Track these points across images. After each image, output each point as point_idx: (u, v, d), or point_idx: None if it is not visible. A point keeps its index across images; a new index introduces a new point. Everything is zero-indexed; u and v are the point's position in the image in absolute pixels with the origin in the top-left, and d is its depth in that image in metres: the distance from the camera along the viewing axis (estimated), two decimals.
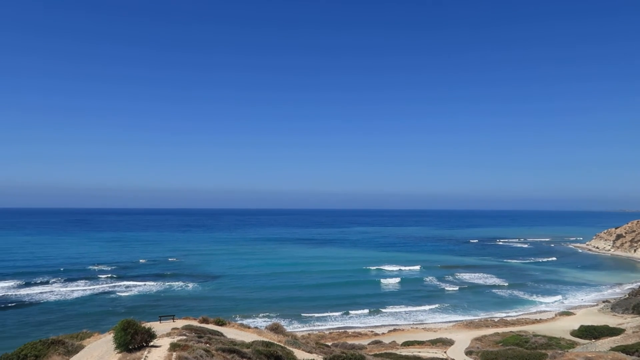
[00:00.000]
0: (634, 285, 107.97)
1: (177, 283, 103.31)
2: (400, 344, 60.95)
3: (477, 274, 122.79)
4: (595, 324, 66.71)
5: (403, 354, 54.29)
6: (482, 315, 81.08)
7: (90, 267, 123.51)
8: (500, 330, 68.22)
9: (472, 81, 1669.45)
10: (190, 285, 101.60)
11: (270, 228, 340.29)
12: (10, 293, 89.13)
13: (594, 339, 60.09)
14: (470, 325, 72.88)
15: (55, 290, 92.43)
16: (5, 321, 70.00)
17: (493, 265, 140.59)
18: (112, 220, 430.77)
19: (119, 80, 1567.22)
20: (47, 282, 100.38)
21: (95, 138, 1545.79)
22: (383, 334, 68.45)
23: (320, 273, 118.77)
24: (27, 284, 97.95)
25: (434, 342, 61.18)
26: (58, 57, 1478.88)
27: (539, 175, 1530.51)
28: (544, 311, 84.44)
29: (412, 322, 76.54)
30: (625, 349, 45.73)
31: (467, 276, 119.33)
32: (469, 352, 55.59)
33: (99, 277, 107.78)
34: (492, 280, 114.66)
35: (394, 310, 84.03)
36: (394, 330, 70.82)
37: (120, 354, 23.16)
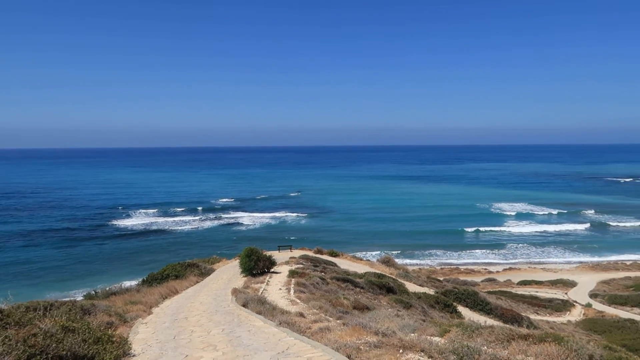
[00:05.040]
0: None
1: (292, 216, 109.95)
2: (515, 283, 59.25)
3: (615, 215, 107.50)
4: None
5: (519, 292, 52.84)
6: (613, 258, 74.75)
7: (216, 201, 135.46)
8: (632, 274, 62.82)
9: None
10: (305, 219, 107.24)
11: (382, 164, 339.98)
12: (153, 223, 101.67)
13: None
14: (596, 267, 68.11)
15: (188, 221, 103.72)
16: (149, 246, 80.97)
17: None
18: (233, 159, 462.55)
19: None
20: (181, 214, 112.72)
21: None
22: (497, 272, 66.90)
23: (435, 210, 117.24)
24: (165, 214, 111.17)
25: (554, 283, 58.48)
26: None
27: None
28: None
29: (529, 262, 73.43)
30: None
31: (602, 217, 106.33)
32: (593, 295, 52.36)
33: (224, 210, 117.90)
34: (633, 222, 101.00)
35: (510, 249, 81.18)
36: (510, 269, 68.72)
37: (245, 278, 25.63)
